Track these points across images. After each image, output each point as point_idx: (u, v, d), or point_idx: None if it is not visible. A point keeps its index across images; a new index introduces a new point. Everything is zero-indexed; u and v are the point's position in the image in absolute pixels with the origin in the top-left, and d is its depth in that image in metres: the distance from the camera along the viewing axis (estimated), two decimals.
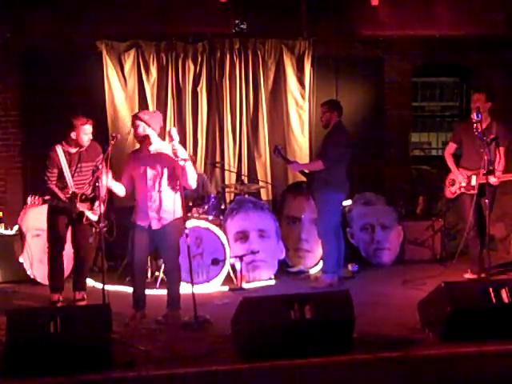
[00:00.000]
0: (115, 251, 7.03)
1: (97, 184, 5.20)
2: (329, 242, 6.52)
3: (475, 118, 5.84)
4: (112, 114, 7.71)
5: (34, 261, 6.75)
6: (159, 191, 5.24)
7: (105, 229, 5.84)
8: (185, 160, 5.11)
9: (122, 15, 7.51)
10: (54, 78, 7.76)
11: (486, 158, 5.76)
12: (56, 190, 5.66)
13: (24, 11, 7.43)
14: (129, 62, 7.75)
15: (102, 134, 7.32)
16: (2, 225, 7.16)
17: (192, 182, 5.25)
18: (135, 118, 5.30)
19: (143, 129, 5.22)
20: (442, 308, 4.59)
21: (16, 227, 6.96)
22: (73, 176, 5.68)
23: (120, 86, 7.76)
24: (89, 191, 5.80)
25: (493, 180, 6.07)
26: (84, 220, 5.68)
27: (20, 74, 7.86)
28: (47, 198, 5.56)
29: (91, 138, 5.71)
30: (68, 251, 5.95)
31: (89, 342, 4.15)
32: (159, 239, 5.34)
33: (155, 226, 5.26)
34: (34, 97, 7.82)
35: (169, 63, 7.83)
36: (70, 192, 5.67)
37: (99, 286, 5.86)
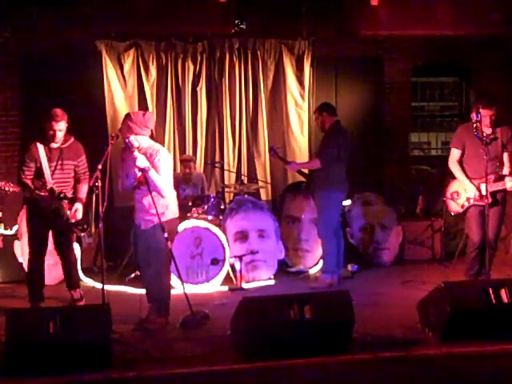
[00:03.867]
0: (115, 251, 7.03)
1: (96, 184, 5.16)
2: (328, 241, 6.52)
3: (475, 118, 5.77)
4: (111, 114, 7.70)
5: None
6: (143, 192, 5.14)
7: (80, 227, 5.68)
8: (140, 169, 4.98)
9: (121, 15, 7.50)
10: (53, 77, 7.74)
11: (485, 158, 5.62)
12: (30, 184, 5.49)
13: (24, 11, 7.43)
14: (128, 62, 7.74)
15: (101, 134, 7.37)
16: (2, 225, 7.15)
17: (156, 191, 5.07)
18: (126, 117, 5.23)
19: (125, 132, 5.14)
20: (441, 308, 4.59)
21: (16, 227, 6.96)
22: (53, 173, 5.54)
23: (119, 86, 7.76)
24: (69, 193, 5.65)
25: (510, 184, 5.71)
26: (64, 218, 5.53)
27: (20, 74, 7.86)
28: (22, 188, 5.42)
29: (63, 131, 5.54)
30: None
31: (89, 341, 4.15)
32: (146, 240, 5.23)
33: (143, 226, 5.20)
34: (34, 97, 7.80)
35: (168, 63, 7.82)
36: (48, 188, 5.50)
37: (99, 286, 5.85)
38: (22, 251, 6.76)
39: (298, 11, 7.91)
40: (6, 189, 5.34)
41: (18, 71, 7.85)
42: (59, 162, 5.58)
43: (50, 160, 5.55)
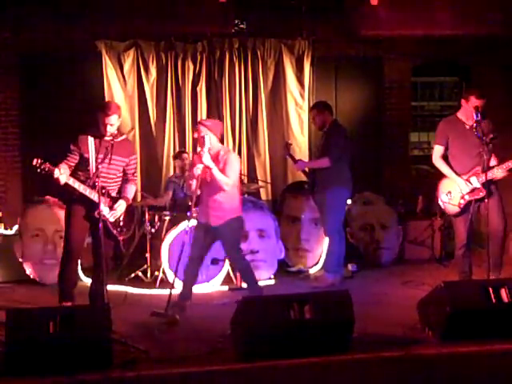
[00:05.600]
0: (115, 251, 7.02)
1: (96, 184, 5.10)
2: (333, 240, 6.52)
3: (475, 117, 5.73)
4: None
5: (34, 261, 6.75)
6: (213, 190, 5.41)
7: (118, 229, 5.42)
8: (207, 167, 5.25)
9: (121, 15, 7.50)
10: (53, 77, 7.78)
11: (485, 157, 5.58)
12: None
13: (24, 11, 7.43)
14: (128, 62, 7.75)
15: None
16: (2, 225, 7.16)
17: (219, 185, 5.35)
18: (199, 123, 5.58)
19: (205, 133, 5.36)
20: (441, 308, 4.59)
21: (16, 227, 6.96)
22: (99, 165, 5.06)
23: (119, 86, 7.77)
24: (114, 192, 5.37)
25: (498, 172, 5.63)
26: (96, 213, 4.99)
27: (20, 74, 7.87)
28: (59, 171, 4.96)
29: (115, 125, 5.27)
30: None
31: (88, 341, 4.14)
32: (223, 235, 5.58)
33: (213, 222, 5.48)
34: (34, 97, 7.83)
35: (168, 63, 7.83)
36: (91, 180, 5.11)
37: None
38: (21, 251, 6.77)
39: (297, 11, 7.90)
40: (42, 167, 4.89)
41: (18, 71, 7.85)
42: (107, 156, 5.11)
43: (97, 152, 5.15)
